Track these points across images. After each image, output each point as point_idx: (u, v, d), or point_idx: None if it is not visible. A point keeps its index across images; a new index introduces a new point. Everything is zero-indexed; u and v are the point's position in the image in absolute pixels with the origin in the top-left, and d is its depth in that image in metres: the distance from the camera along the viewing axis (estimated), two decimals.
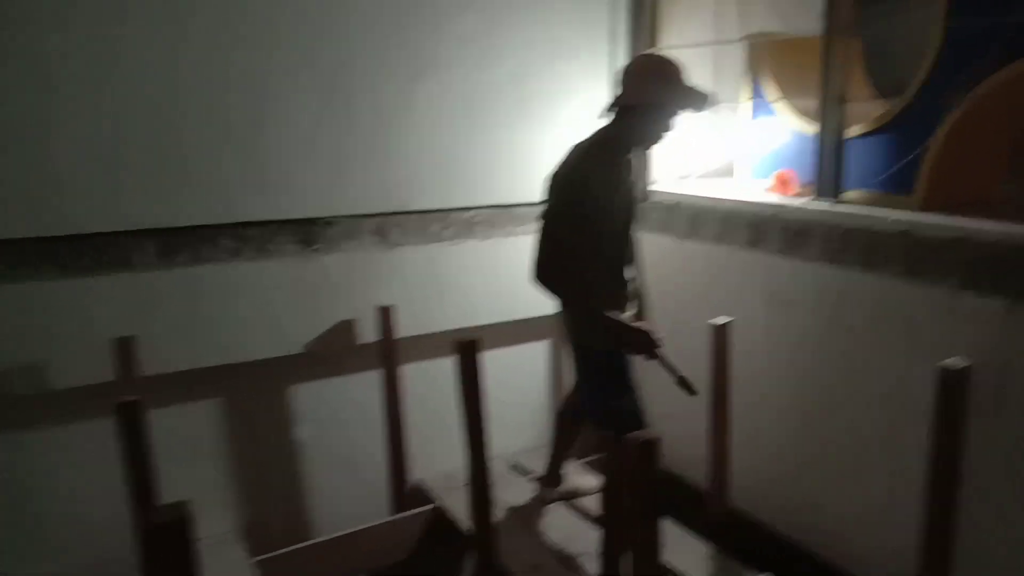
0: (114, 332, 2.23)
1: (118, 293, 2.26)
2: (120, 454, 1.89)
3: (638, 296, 2.35)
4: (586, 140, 2.18)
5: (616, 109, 2.12)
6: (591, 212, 2.07)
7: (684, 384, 2.14)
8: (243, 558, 2.46)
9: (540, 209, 2.15)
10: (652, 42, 3.01)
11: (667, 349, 2.14)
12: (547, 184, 2.14)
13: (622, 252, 2.21)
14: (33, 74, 2.08)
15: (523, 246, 2.91)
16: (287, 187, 2.48)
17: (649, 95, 2.06)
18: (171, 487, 1.95)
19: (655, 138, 2.15)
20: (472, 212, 2.82)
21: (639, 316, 2.34)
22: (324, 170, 2.53)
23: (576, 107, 2.93)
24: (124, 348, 2.21)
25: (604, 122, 2.18)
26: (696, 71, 2.86)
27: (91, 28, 2.13)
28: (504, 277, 2.90)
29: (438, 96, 2.67)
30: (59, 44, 2.10)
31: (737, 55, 2.84)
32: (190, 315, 2.38)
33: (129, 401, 1.74)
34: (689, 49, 2.82)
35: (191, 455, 2.51)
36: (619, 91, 2.11)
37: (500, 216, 2.87)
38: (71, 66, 2.12)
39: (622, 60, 2.98)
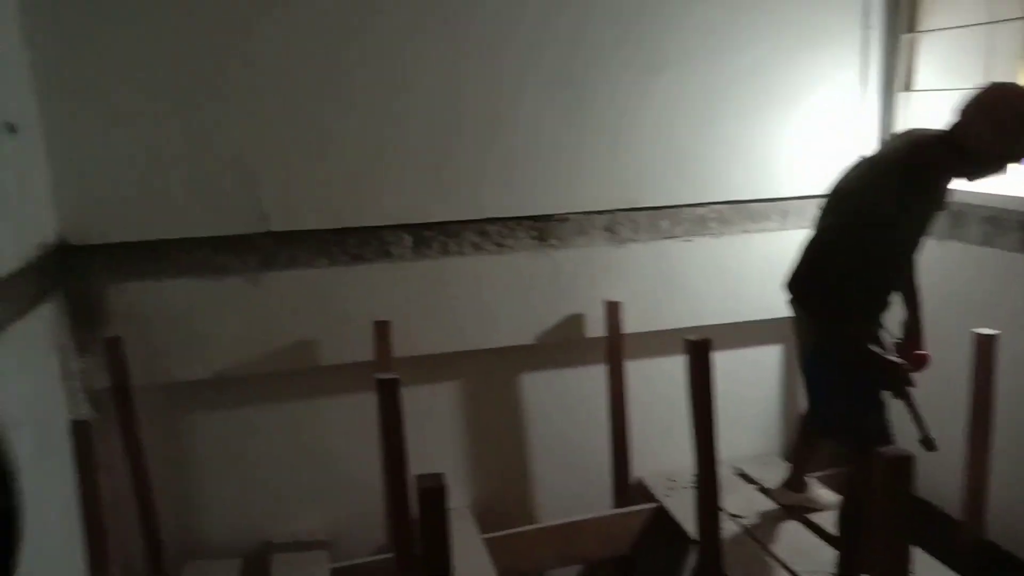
0: (373, 316, 2.47)
1: (377, 281, 2.51)
2: (378, 425, 2.11)
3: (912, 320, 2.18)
4: (889, 156, 1.96)
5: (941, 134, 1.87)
6: (879, 239, 1.87)
7: (926, 442, 1.94)
8: (475, 532, 2.62)
9: (817, 220, 2.04)
10: (911, 25, 2.77)
11: (917, 392, 1.96)
12: (832, 196, 2.01)
13: (897, 279, 2.05)
14: (329, 86, 2.38)
15: (758, 244, 2.83)
16: (525, 184, 2.60)
17: (995, 144, 1.79)
18: (414, 458, 2.14)
19: (980, 178, 1.90)
20: (705, 208, 2.77)
21: (910, 337, 2.17)
22: (559, 167, 2.62)
23: (821, 98, 2.78)
24: (381, 331, 2.45)
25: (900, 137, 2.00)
26: (964, 55, 2.61)
27: (381, 44, 2.40)
28: (736, 276, 2.82)
29: (675, 89, 2.66)
30: (354, 58, 2.38)
31: (1015, 36, 2.53)
32: (437, 304, 2.58)
33: (389, 378, 1.92)
34: (955, 30, 2.56)
35: (430, 431, 2.72)
36: (957, 119, 1.84)
37: (735, 213, 2.80)
38: (362, 80, 2.40)
39: (876, 47, 2.78)
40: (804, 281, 1.94)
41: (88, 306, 2.27)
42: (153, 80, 2.24)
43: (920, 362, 2.17)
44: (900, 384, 1.93)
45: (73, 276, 2.24)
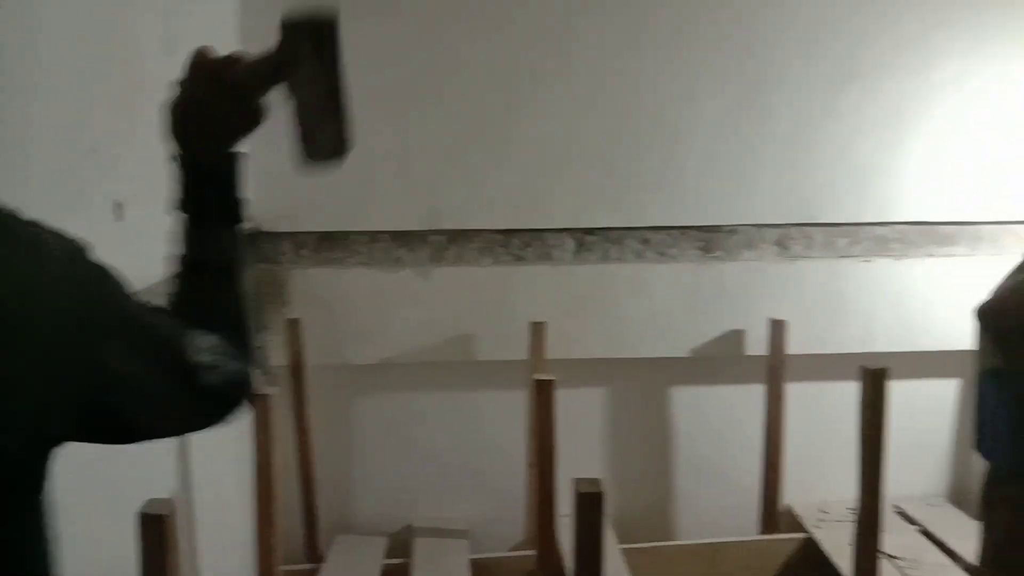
0: (530, 317, 2.51)
1: (537, 283, 2.55)
2: (529, 424, 2.15)
3: None
4: None
5: None
6: None
7: None
8: (613, 542, 2.60)
9: None
10: None
11: None
12: None
13: None
14: (508, 90, 2.45)
15: (943, 270, 2.62)
16: (693, 193, 2.56)
17: None
18: (560, 460, 2.15)
19: None
20: (887, 228, 2.60)
21: None
22: (732, 178, 2.55)
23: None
24: (537, 331, 2.48)
25: None
26: None
27: (567, 53, 2.46)
28: (916, 302, 2.63)
29: (864, 103, 2.53)
30: (542, 67, 2.45)
31: None
32: (594, 309, 2.58)
33: (545, 380, 1.95)
34: None
35: (576, 435, 2.72)
36: None
37: (920, 235, 2.61)
38: (548, 88, 2.46)
39: None
40: (1002, 313, 1.77)
41: (274, 288, 2.45)
42: (354, 82, 2.38)
43: None
44: None
45: (263, 260, 2.43)
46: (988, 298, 1.81)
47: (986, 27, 2.50)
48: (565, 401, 2.60)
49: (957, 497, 2.88)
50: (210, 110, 0.85)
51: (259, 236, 2.39)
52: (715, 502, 2.83)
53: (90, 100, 1.48)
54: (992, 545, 2.16)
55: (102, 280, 0.70)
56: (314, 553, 2.49)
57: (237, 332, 0.85)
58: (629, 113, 2.50)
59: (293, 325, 2.38)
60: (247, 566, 2.17)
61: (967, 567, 2.35)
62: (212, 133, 0.86)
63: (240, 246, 0.89)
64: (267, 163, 2.37)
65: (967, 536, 2.50)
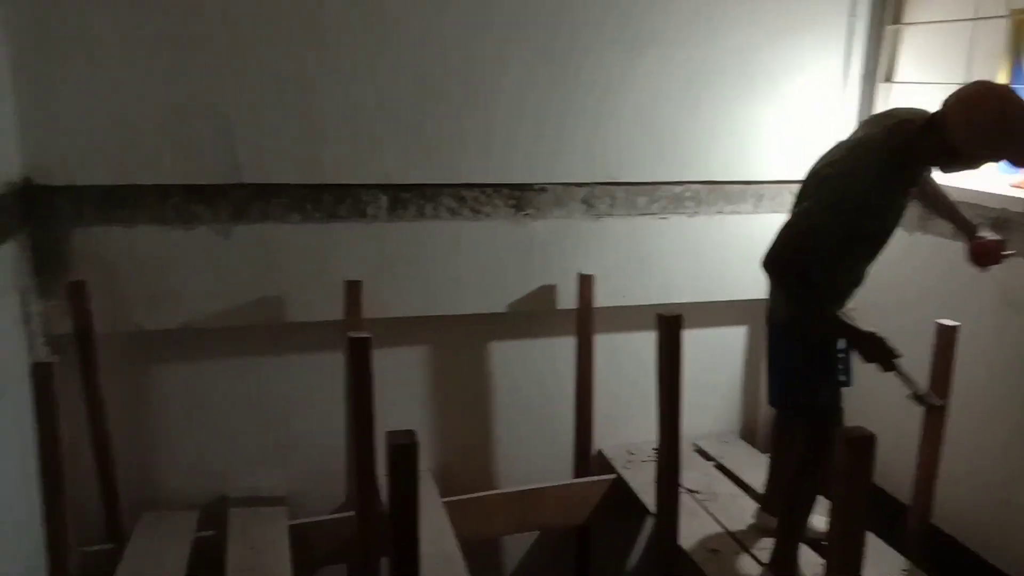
0: (344, 275, 2.45)
1: (351, 241, 2.48)
2: (346, 384, 2.10)
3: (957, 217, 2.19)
4: (872, 139, 1.95)
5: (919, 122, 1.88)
6: (858, 221, 1.89)
7: (924, 399, 1.99)
8: (435, 495, 2.64)
9: (794, 203, 2.05)
10: (897, 16, 2.80)
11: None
12: (810, 179, 2.02)
13: (866, 265, 2.08)
14: (313, 38, 2.33)
15: (732, 225, 2.85)
16: (505, 152, 2.58)
17: (977, 143, 1.78)
18: (379, 420, 2.13)
19: (953, 171, 1.92)
20: (682, 187, 2.78)
21: (968, 231, 2.15)
22: (540, 137, 2.60)
23: (803, 85, 2.80)
24: (352, 290, 2.42)
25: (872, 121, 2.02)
26: (946, 50, 2.64)
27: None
28: (709, 256, 2.85)
29: (658, 69, 2.65)
30: (338, 9, 2.33)
31: (998, 32, 2.56)
32: (409, 267, 2.56)
33: (361, 337, 1.91)
34: (940, 24, 2.59)
35: (395, 394, 2.71)
36: (940, 111, 1.83)
37: (711, 193, 2.82)
38: (345, 34, 2.36)
39: (862, 36, 2.80)
40: (781, 260, 1.96)
41: (52, 249, 2.20)
42: (132, 18, 2.17)
43: (991, 250, 2.09)
44: (888, 355, 1.95)
45: (37, 217, 2.17)
46: (766, 249, 2.00)
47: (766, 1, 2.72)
48: (383, 361, 2.56)
49: (746, 433, 3.19)
50: None
51: (32, 191, 2.14)
52: (533, 451, 2.95)
53: None
54: (777, 474, 2.43)
55: None
56: (116, 532, 2.31)
57: None
58: (441, 68, 2.46)
59: (76, 289, 2.16)
60: (38, 550, 1.98)
61: (756, 496, 2.62)
62: None
63: None
64: (40, 107, 2.14)
65: (756, 467, 2.79)
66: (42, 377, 1.75)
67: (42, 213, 2.18)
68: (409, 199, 2.52)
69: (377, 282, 2.50)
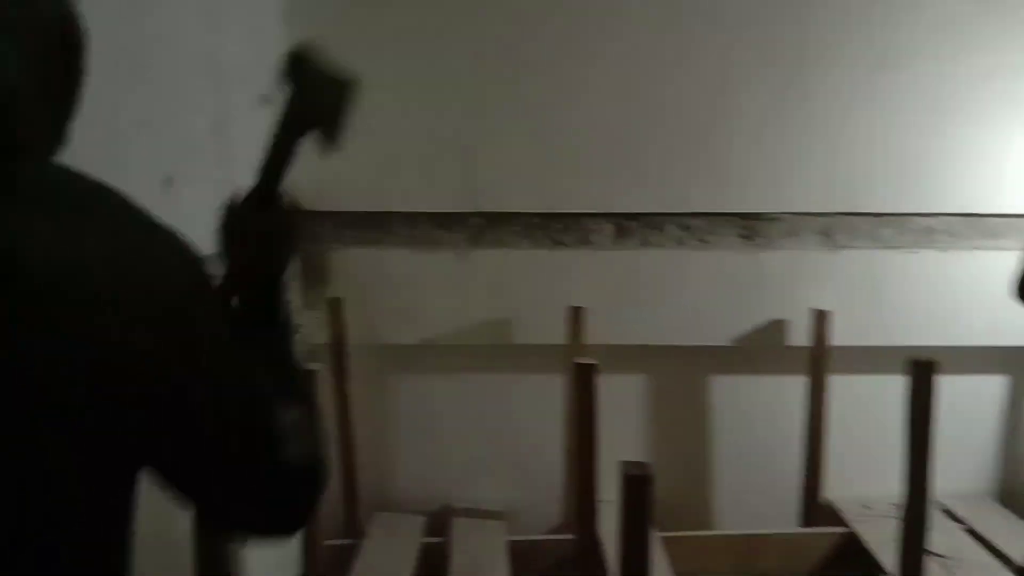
0: (569, 301, 2.51)
1: (576, 267, 2.54)
2: (568, 408, 2.15)
3: None
4: None
5: None
6: None
7: None
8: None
9: None
10: None
11: None
12: None
13: None
14: (552, 76, 2.46)
15: (991, 262, 2.56)
16: (733, 180, 2.53)
17: None
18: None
19: None
20: (933, 219, 2.54)
21: None
22: (773, 164, 2.52)
23: None
24: (576, 316, 2.48)
25: None
26: None
27: (607, 37, 2.44)
28: (963, 295, 2.57)
29: (903, 89, 2.47)
30: (582, 52, 2.44)
31: None
32: (633, 295, 2.57)
33: (587, 364, 1.95)
34: None
35: (613, 421, 2.69)
36: None
37: (967, 227, 2.55)
38: (586, 72, 2.45)
39: None
40: None
41: (316, 267, 2.48)
42: (394, 64, 2.41)
43: None
44: None
45: (307, 238, 2.46)
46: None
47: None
48: (602, 386, 2.60)
49: (1004, 496, 2.82)
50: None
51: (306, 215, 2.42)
52: (754, 493, 2.80)
53: (138, 76, 1.51)
54: None
55: (207, 288, 0.70)
56: (354, 529, 2.52)
57: (313, 417, 0.79)
58: (672, 98, 2.47)
59: (334, 304, 2.41)
60: (291, 541, 2.21)
61: (1017, 568, 2.30)
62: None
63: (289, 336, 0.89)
64: (311, 142, 2.43)
65: (1015, 536, 2.45)
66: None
67: (310, 235, 2.47)
68: (634, 227, 2.54)
69: (600, 309, 2.53)
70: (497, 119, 2.46)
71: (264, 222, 0.91)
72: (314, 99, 0.92)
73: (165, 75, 1.64)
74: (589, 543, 2.08)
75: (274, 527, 0.78)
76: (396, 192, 2.47)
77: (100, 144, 1.34)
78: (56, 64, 0.67)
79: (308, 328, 2.51)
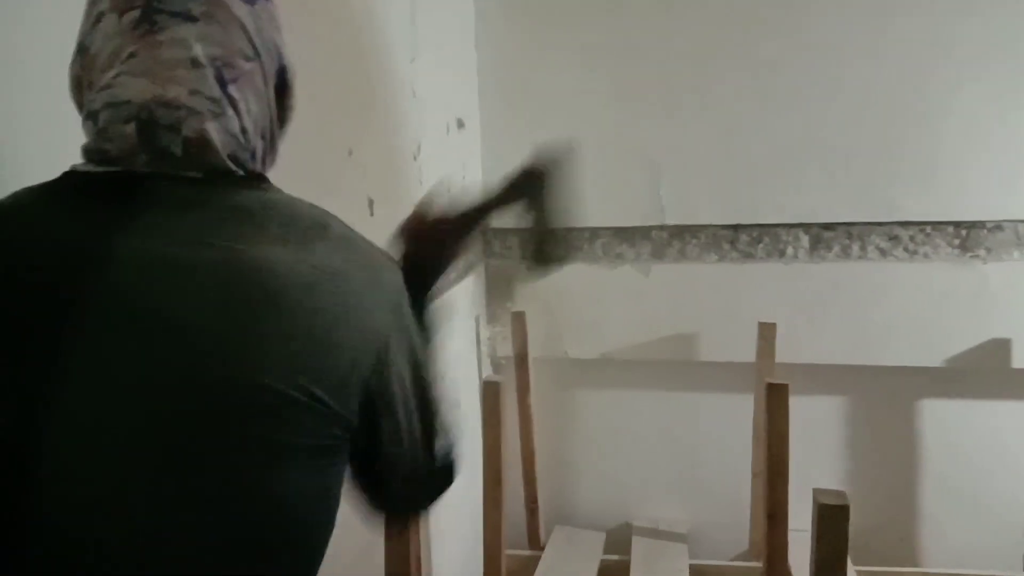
0: (758, 317, 2.39)
1: (767, 281, 2.42)
2: (759, 428, 2.05)
3: None
4: None
5: None
6: None
7: None
8: (849, 563, 2.41)
9: None
10: None
11: None
12: None
13: None
14: (743, 82, 2.37)
15: None
16: (949, 185, 2.30)
17: None
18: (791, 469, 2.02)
19: None
20: None
21: None
22: (994, 167, 2.26)
23: None
24: (766, 332, 2.36)
25: None
26: None
27: (803, 44, 2.33)
28: None
29: None
30: (777, 57, 2.35)
31: None
32: (831, 310, 2.40)
33: (779, 384, 1.84)
34: None
35: (806, 444, 2.54)
36: None
37: None
38: (780, 77, 2.35)
39: None
40: None
41: (501, 282, 2.55)
42: (580, 80, 2.43)
43: None
44: None
45: (491, 253, 2.53)
46: None
47: None
48: (794, 408, 2.46)
49: None
50: (427, 261, 0.96)
51: (491, 232, 2.51)
52: (969, 531, 2.52)
53: (345, 106, 1.62)
54: None
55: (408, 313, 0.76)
56: (535, 540, 2.55)
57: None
58: (876, 98, 2.29)
59: (518, 318, 2.46)
60: (475, 549, 2.27)
61: None
62: (429, 272, 0.95)
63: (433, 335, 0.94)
64: (499, 161, 2.50)
65: None
66: (490, 394, 2.01)
67: (495, 250, 2.54)
68: (832, 238, 2.37)
69: (792, 325, 2.39)
70: (684, 129, 2.40)
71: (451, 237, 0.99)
72: (540, 238, 1.03)
73: (369, 105, 1.75)
74: (778, 572, 1.96)
75: (414, 510, 0.94)
76: (580, 207, 2.48)
77: (313, 170, 1.45)
78: (278, 104, 0.77)
79: (492, 341, 2.58)
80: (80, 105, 0.70)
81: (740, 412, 2.46)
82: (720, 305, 2.46)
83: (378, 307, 0.70)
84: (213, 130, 0.67)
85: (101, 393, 0.60)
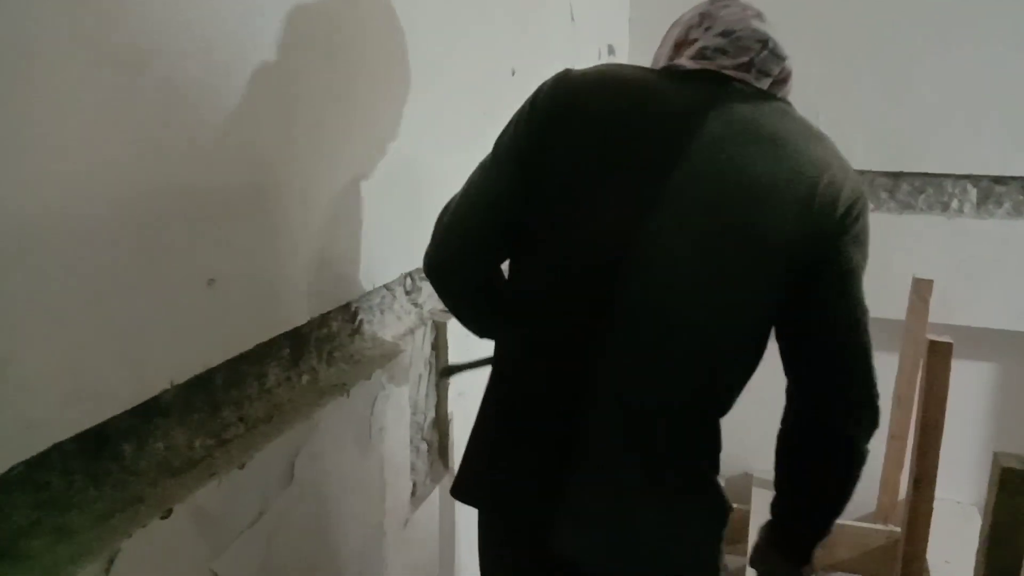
0: (913, 272, 2.25)
1: (926, 235, 2.27)
2: (896, 391, 1.95)
3: None
4: None
5: None
6: None
7: None
8: None
9: None
10: None
11: None
12: None
13: None
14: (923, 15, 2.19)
15: None
16: None
17: None
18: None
19: None
20: None
21: None
22: None
23: None
24: (921, 289, 2.21)
25: None
26: None
27: None
28: None
29: None
30: None
31: None
32: (996, 270, 2.23)
33: (943, 342, 1.73)
34: None
35: (952, 409, 2.42)
36: None
37: None
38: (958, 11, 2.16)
39: None
40: None
41: None
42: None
43: None
44: None
45: None
46: None
47: None
48: None
49: None
50: None
51: None
52: None
53: (509, 26, 1.58)
54: None
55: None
56: None
57: None
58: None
59: None
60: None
61: None
62: None
63: None
64: None
65: None
66: None
67: None
68: (1004, 193, 2.19)
69: (949, 283, 2.23)
70: (844, 67, 2.24)
71: None
72: None
73: (532, 26, 1.70)
74: (916, 540, 1.87)
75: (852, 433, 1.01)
76: None
77: (480, 88, 1.42)
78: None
79: None
80: (681, 44, 1.01)
81: (883, 370, 2.33)
82: (871, 257, 2.32)
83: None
84: (779, 67, 0.97)
85: (686, 205, 0.89)
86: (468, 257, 1.01)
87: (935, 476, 1.78)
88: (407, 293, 1.35)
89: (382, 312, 1.27)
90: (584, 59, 1.97)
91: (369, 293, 1.20)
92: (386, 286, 1.26)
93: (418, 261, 1.29)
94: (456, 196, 1.01)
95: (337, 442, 1.10)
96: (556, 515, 0.94)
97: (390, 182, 1.21)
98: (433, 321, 1.39)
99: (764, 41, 0.96)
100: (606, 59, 2.15)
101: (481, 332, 1.12)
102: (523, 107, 0.98)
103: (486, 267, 1.03)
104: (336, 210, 1.08)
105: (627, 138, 0.91)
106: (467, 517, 1.55)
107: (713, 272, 0.89)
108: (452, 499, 1.47)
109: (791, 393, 1.04)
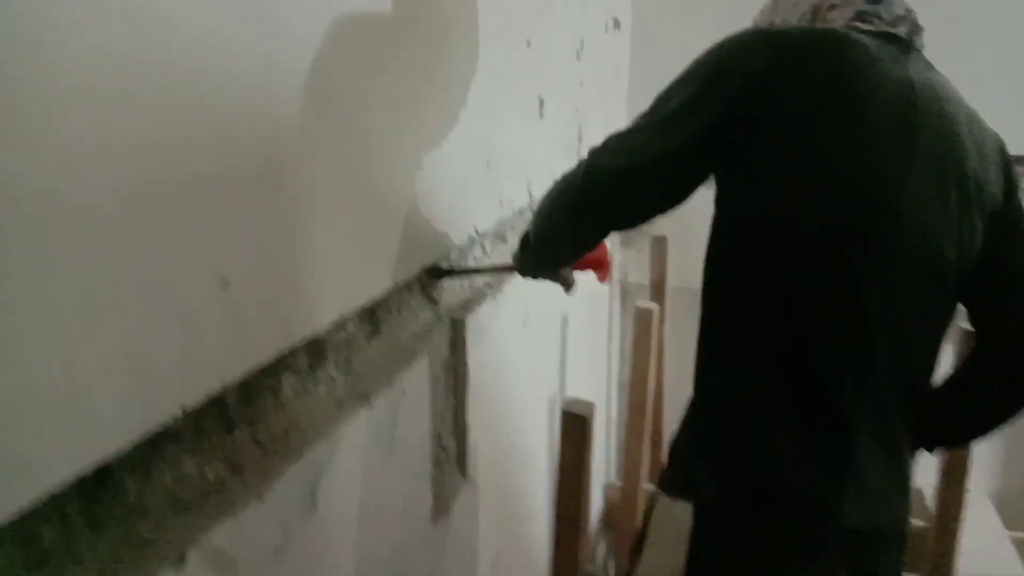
0: None
1: None
2: None
3: None
4: None
5: None
6: None
7: None
8: (999, 525, 2.25)
9: None
10: None
11: None
12: None
13: None
14: None
15: None
16: None
17: None
18: None
19: None
20: None
21: None
22: None
23: None
24: None
25: None
26: None
27: None
28: None
29: None
30: None
31: None
32: None
33: None
34: None
35: None
36: None
37: None
38: None
39: None
40: None
41: None
42: None
43: None
44: None
45: None
46: None
47: None
48: None
49: None
50: None
51: None
52: None
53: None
54: None
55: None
56: (656, 476, 2.46)
57: None
58: None
59: (659, 243, 2.30)
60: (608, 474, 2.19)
61: None
62: None
63: None
64: (647, 65, 2.29)
65: None
66: (642, 321, 1.89)
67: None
68: None
69: None
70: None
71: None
72: None
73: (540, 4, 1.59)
74: (949, 534, 1.81)
75: None
76: None
77: (493, 60, 1.31)
78: None
79: (624, 266, 2.43)
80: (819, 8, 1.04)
81: None
82: None
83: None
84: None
85: (929, 177, 0.93)
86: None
87: (966, 469, 1.71)
88: (422, 289, 1.23)
89: (399, 311, 1.15)
90: (593, 32, 1.86)
91: (386, 290, 1.08)
92: (404, 283, 1.14)
93: (436, 254, 1.18)
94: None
95: (363, 459, 0.98)
96: (846, 488, 0.97)
97: (407, 174, 1.09)
98: (451, 319, 1.28)
99: (909, 9, 1.02)
100: (612, 33, 2.04)
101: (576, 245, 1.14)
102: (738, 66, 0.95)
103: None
104: (356, 202, 0.96)
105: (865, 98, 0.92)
106: (487, 529, 1.44)
107: (954, 232, 0.95)
108: (473, 512, 1.36)
109: (980, 341, 1.08)
